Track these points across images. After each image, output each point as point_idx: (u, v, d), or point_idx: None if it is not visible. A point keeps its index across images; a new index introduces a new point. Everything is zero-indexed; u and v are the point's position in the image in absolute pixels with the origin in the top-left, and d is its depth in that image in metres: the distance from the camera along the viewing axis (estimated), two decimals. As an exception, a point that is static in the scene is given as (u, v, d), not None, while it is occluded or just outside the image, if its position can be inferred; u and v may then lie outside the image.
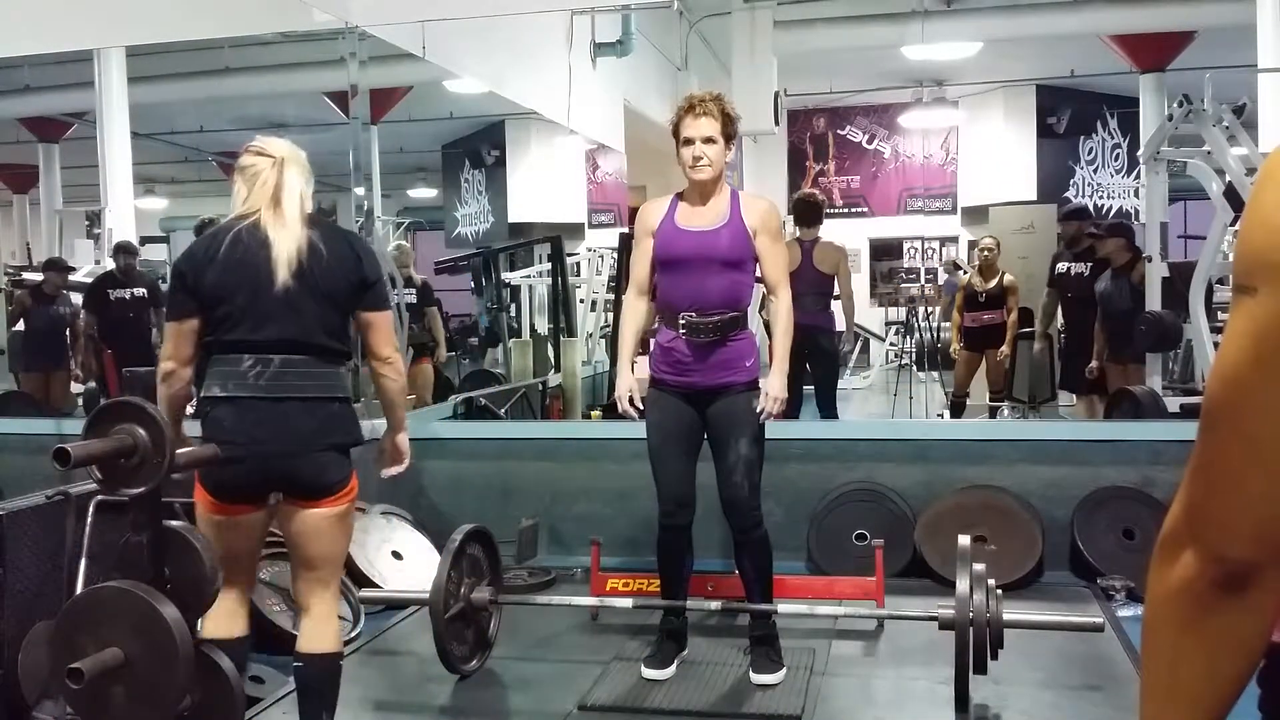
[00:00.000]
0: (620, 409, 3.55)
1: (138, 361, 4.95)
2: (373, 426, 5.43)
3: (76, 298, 8.56)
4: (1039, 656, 3.66)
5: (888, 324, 14.04)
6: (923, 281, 14.49)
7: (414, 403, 6.47)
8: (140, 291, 7.56)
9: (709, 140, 3.43)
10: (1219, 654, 0.84)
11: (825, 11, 10.19)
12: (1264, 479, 0.79)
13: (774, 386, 3.43)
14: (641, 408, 3.53)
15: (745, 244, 3.46)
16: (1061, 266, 7.28)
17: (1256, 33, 7.10)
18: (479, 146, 14.90)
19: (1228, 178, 5.57)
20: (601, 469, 5.29)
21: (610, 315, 8.84)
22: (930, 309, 10.67)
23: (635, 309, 3.65)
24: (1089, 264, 7.05)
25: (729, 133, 3.48)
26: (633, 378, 3.53)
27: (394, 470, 3.09)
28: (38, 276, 8.66)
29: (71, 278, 8.63)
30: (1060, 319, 7.69)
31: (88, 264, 10.31)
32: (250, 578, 2.99)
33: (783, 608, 3.64)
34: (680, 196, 3.57)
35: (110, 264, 7.85)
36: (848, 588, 4.13)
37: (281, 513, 2.81)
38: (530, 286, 11.04)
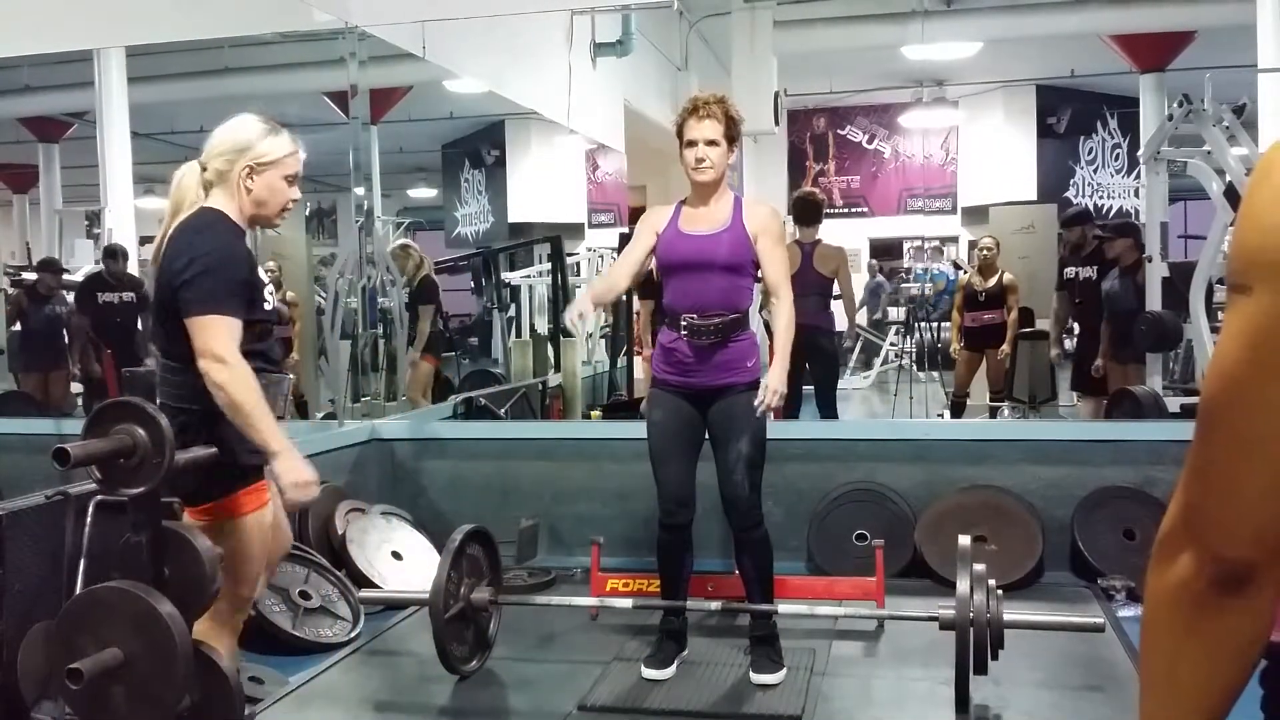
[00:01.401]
0: (565, 318, 3.58)
1: (128, 364, 4.93)
2: (373, 427, 5.47)
3: (72, 297, 8.56)
4: (1039, 657, 3.66)
5: (888, 323, 14.05)
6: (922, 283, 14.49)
7: (410, 404, 6.47)
8: (129, 296, 7.51)
9: (712, 143, 3.45)
10: (1218, 654, 0.84)
11: (825, 11, 10.20)
12: (1261, 478, 0.79)
13: (774, 379, 3.44)
14: (584, 317, 3.52)
15: (746, 248, 3.49)
16: (1069, 272, 7.32)
17: (1256, 33, 7.11)
18: (479, 146, 14.91)
19: (1228, 177, 5.58)
20: (601, 469, 5.29)
21: (609, 315, 8.85)
22: (930, 309, 10.68)
23: (614, 273, 3.83)
24: (1095, 267, 7.06)
25: (732, 135, 3.51)
26: (589, 304, 3.57)
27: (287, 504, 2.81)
28: (34, 277, 8.65)
29: (67, 278, 8.61)
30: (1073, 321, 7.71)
31: (87, 264, 10.31)
32: None
33: (783, 608, 3.63)
34: (683, 203, 3.60)
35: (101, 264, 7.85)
36: (848, 588, 4.12)
37: None
38: (530, 286, 11.04)
